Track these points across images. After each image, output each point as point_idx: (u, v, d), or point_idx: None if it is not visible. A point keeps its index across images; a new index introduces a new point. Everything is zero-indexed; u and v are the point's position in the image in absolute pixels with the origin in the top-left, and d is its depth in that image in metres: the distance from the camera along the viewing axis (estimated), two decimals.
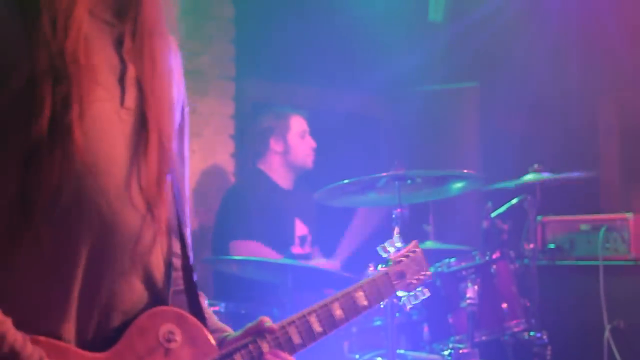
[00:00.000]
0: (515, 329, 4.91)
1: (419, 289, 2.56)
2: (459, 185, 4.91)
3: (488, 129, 6.76)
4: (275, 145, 5.69)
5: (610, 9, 6.28)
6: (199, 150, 6.06)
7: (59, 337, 1.77)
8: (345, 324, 2.22)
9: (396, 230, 4.49)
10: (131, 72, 1.89)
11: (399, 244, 2.62)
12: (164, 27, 1.98)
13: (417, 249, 2.60)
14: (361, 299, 2.29)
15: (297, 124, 5.73)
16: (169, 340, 1.90)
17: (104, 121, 1.81)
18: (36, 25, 1.75)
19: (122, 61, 1.89)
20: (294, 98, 6.47)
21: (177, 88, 2.04)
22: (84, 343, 1.81)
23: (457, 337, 4.79)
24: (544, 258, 5.88)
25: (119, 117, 1.84)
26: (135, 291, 1.89)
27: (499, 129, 6.63)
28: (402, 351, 4.64)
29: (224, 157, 6.22)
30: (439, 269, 4.89)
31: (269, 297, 4.96)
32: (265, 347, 2.03)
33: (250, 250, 5.30)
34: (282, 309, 4.57)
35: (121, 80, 1.87)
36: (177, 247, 2.07)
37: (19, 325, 1.70)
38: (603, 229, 5.66)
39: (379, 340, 4.66)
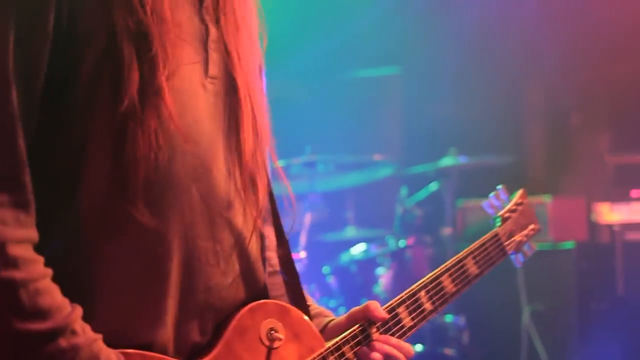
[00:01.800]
0: None
1: (527, 245, 2.24)
2: (374, 171, 4.92)
3: (410, 115, 6.77)
4: None
5: None
6: None
7: (153, 345, 1.57)
8: (456, 297, 1.99)
9: (307, 218, 4.47)
10: (213, 34, 1.68)
11: (504, 197, 2.27)
12: None
13: (524, 200, 2.27)
14: (472, 266, 2.04)
15: None
16: (272, 339, 1.70)
17: (190, 89, 1.61)
18: None
19: (204, 22, 1.68)
20: None
21: (260, 49, 1.83)
22: (181, 348, 1.61)
23: None
24: (464, 242, 5.92)
25: (204, 86, 1.64)
26: (232, 284, 1.69)
27: (421, 114, 6.64)
28: None
29: None
30: (355, 256, 4.89)
31: None
32: (375, 334, 1.81)
33: None
34: None
35: (204, 44, 1.66)
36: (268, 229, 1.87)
37: (110, 333, 1.52)
38: None
39: None
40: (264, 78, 1.89)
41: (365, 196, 5.54)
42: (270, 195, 1.84)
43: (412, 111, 6.73)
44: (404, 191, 5.09)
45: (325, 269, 4.96)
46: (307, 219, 4.52)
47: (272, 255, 1.88)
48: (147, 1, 1.55)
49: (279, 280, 1.87)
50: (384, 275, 4.70)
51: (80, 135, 1.52)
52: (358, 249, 4.89)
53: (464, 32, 6.39)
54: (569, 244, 5.50)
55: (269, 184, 1.81)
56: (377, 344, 1.78)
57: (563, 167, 6.46)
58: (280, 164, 4.32)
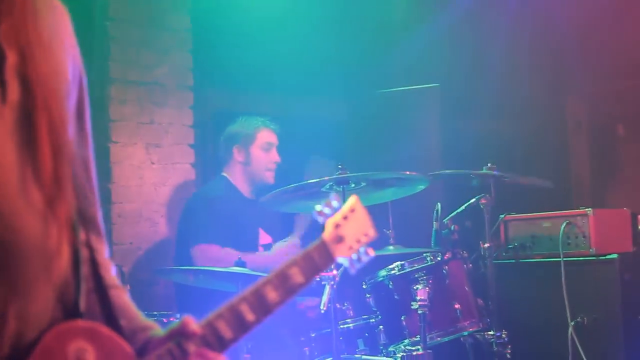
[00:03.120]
0: (470, 329, 4.89)
1: (362, 249, 2.19)
2: (410, 187, 4.90)
3: (448, 129, 6.74)
4: (238, 154, 5.69)
5: (577, 8, 6.27)
6: (159, 160, 6.06)
7: None
8: (281, 306, 1.96)
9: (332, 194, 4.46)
10: (11, 59, 1.65)
11: (335, 204, 2.20)
12: None
13: (356, 207, 2.20)
14: (297, 275, 1.99)
15: (264, 137, 5.71)
16: None
17: None
18: None
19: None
20: (253, 105, 6.48)
21: (70, 61, 1.81)
22: None
23: (411, 339, 4.77)
24: (506, 257, 5.89)
25: (2, 117, 1.62)
26: (43, 310, 1.67)
27: (459, 129, 6.61)
28: (346, 355, 4.64)
29: (184, 166, 6.22)
30: (392, 272, 4.87)
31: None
32: (191, 348, 1.82)
33: (211, 254, 5.29)
34: None
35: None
36: (93, 240, 1.90)
37: None
38: (563, 226, 5.65)
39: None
40: (83, 87, 1.88)
41: (402, 212, 5.53)
42: (85, 201, 1.85)
43: (450, 126, 6.71)
44: (439, 207, 5.06)
45: (363, 287, 4.96)
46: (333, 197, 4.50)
47: (101, 270, 1.87)
48: None
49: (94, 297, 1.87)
50: (421, 291, 4.66)
51: None
52: (395, 266, 4.87)
53: (502, 44, 6.36)
54: (612, 256, 5.44)
55: (86, 189, 1.84)
56: (193, 357, 1.80)
57: (607, 178, 6.38)
58: (312, 181, 4.32)
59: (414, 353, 4.63)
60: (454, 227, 5.00)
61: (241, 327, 1.88)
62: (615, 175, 6.42)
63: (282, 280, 1.97)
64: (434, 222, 4.98)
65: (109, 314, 1.84)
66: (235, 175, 5.71)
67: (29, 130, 1.65)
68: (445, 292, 4.84)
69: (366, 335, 5.02)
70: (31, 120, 1.66)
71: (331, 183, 4.55)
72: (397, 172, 4.70)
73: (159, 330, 1.90)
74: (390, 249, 5.20)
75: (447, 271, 4.86)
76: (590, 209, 5.59)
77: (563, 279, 5.50)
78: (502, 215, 5.86)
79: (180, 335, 1.81)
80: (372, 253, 2.21)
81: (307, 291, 4.98)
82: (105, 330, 1.75)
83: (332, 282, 4.28)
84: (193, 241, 5.40)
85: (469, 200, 5.47)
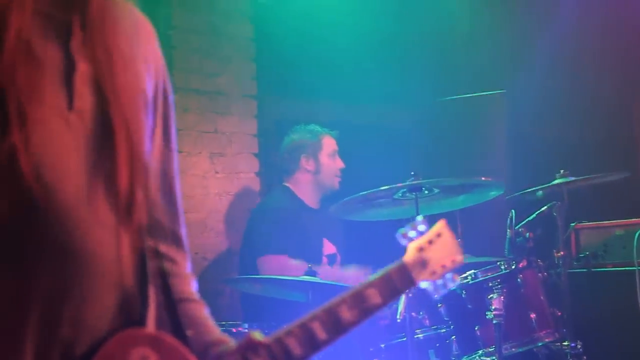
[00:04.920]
0: (546, 339, 4.76)
1: (448, 275, 2.17)
2: (481, 193, 4.80)
3: (516, 135, 6.63)
4: (306, 163, 5.63)
5: None
6: (223, 170, 6.02)
7: None
8: (355, 326, 1.93)
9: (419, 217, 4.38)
10: (83, 68, 1.64)
11: (422, 227, 2.19)
12: (119, 9, 1.75)
13: (443, 231, 2.18)
14: (374, 296, 1.97)
15: (329, 144, 5.67)
16: None
17: (51, 133, 1.58)
18: None
19: (70, 58, 1.64)
20: (317, 114, 6.41)
21: (152, 74, 1.81)
22: None
23: (485, 350, 4.65)
24: (578, 266, 5.74)
25: (68, 123, 1.61)
26: (104, 316, 1.64)
27: (527, 135, 6.50)
28: None
29: (248, 175, 6.17)
30: (464, 281, 4.77)
31: (292, 315, 4.88)
32: None
33: (279, 264, 5.23)
34: None
35: (68, 80, 1.62)
36: (172, 253, 1.89)
37: None
38: (638, 233, 5.49)
39: (407, 355, 4.55)
40: (168, 101, 1.89)
41: (475, 220, 5.42)
42: (165, 216, 1.85)
43: (518, 131, 6.60)
44: (513, 214, 4.95)
45: (435, 297, 4.84)
46: (419, 217, 4.42)
47: (177, 282, 1.86)
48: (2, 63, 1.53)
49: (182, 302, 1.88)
50: (496, 300, 4.55)
51: None
52: (468, 274, 4.76)
53: (567, 47, 6.24)
54: None
55: (168, 204, 1.84)
56: None
57: None
58: (384, 188, 4.26)
59: None
60: (528, 234, 4.88)
61: (311, 345, 1.85)
62: None
63: (358, 300, 1.94)
64: (508, 230, 4.86)
65: (177, 325, 1.81)
66: (301, 185, 5.65)
67: (104, 139, 1.64)
68: (520, 302, 4.71)
69: (437, 346, 4.92)
70: (108, 129, 1.64)
71: (404, 190, 4.46)
72: (472, 178, 4.60)
73: (231, 345, 1.87)
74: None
75: (521, 280, 4.74)
76: None
77: (638, 288, 5.35)
78: (573, 224, 5.72)
79: (247, 349, 1.79)
80: (457, 279, 2.20)
81: None
82: (170, 339, 1.72)
83: (409, 291, 4.19)
84: (261, 251, 5.34)
85: (540, 208, 5.35)
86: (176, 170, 1.93)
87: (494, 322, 4.52)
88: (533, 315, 4.73)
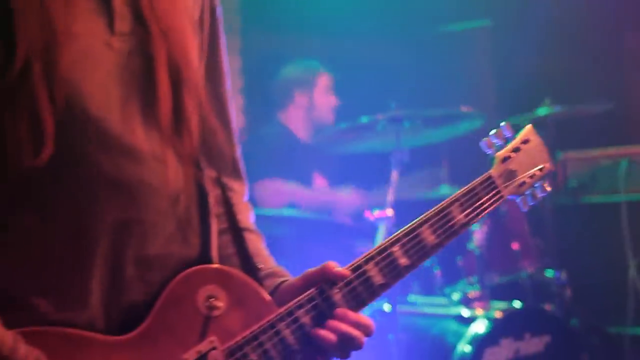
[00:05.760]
0: (529, 269, 4.76)
1: (537, 185, 1.98)
2: (464, 124, 4.77)
3: (501, 66, 6.57)
4: (300, 99, 5.59)
5: None
6: None
7: (78, 324, 1.48)
8: (439, 249, 1.78)
9: (394, 175, 4.37)
10: None
11: (507, 134, 2.01)
12: None
13: (531, 137, 1.99)
14: (458, 214, 1.80)
15: (324, 81, 5.63)
16: (210, 307, 1.57)
17: (91, 50, 1.50)
18: None
19: None
20: (304, 48, 6.33)
21: None
22: (110, 325, 1.52)
23: (468, 280, 4.66)
24: (564, 197, 5.70)
25: (109, 45, 1.52)
26: (165, 253, 1.58)
27: (512, 65, 6.43)
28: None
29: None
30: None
31: (279, 250, 4.87)
32: (336, 295, 1.66)
33: (274, 189, 5.20)
34: (292, 262, 4.49)
35: (107, 1, 1.54)
36: (228, 180, 1.80)
37: (27, 310, 1.45)
38: (625, 163, 5.45)
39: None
40: (216, 17, 1.77)
41: (458, 152, 5.39)
42: (217, 140, 1.75)
43: (503, 62, 6.54)
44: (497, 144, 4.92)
45: None
46: (394, 176, 4.40)
47: (237, 210, 1.76)
48: None
49: (229, 237, 1.77)
50: (477, 231, 4.55)
51: None
52: None
53: None
54: None
55: (222, 127, 1.75)
56: (332, 322, 1.63)
57: None
58: (364, 120, 4.25)
59: (470, 294, 4.54)
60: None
61: (393, 272, 1.70)
62: None
63: (441, 219, 1.78)
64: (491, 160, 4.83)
65: (245, 256, 1.73)
66: (294, 120, 5.60)
67: (147, 64, 1.56)
68: (503, 232, 4.71)
69: (420, 277, 4.93)
70: (151, 55, 1.55)
71: (384, 122, 4.43)
72: (452, 109, 4.56)
73: (287, 277, 1.76)
74: (445, 189, 5.09)
75: (505, 210, 4.73)
76: None
77: (624, 218, 5.34)
78: (560, 153, 5.68)
79: (323, 280, 1.66)
80: (548, 189, 2.01)
81: (359, 234, 4.90)
82: (239, 275, 1.64)
83: (386, 223, 4.18)
84: (255, 178, 5.32)
85: None
86: (229, 92, 1.83)
87: (476, 252, 4.53)
88: (516, 246, 4.73)
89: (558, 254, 5.12)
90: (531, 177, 1.95)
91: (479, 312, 4.41)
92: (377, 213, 4.39)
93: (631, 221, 5.34)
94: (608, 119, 5.57)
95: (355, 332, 1.63)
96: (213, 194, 1.73)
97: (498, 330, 4.28)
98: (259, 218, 4.76)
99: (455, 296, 4.58)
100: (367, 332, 1.65)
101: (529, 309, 4.57)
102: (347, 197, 5.27)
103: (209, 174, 1.73)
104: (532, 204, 1.99)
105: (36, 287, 1.46)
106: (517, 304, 4.52)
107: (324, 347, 1.62)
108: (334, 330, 1.62)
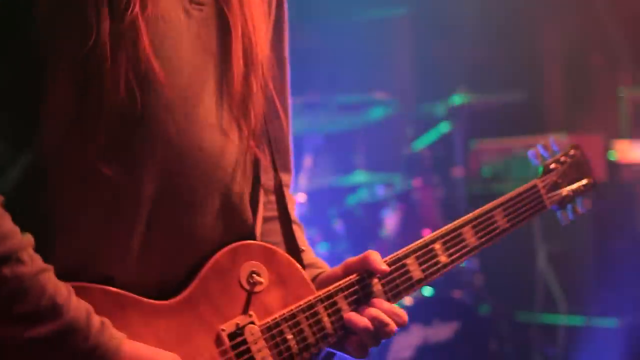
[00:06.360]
0: None
1: (578, 200, 2.03)
2: (378, 110, 4.78)
3: (419, 55, 6.60)
4: None
5: None
6: None
7: (114, 282, 1.48)
8: (478, 250, 1.83)
9: (307, 160, 4.36)
10: None
11: (554, 146, 2.05)
12: None
13: (577, 152, 2.04)
14: (501, 219, 1.85)
15: None
16: (252, 282, 1.58)
17: (169, 16, 1.50)
18: None
19: None
20: None
21: None
22: (146, 288, 1.51)
23: None
24: (478, 185, 5.75)
25: (187, 12, 1.53)
26: (210, 223, 1.57)
27: (430, 54, 6.46)
28: None
29: None
30: (361, 199, 4.77)
31: None
32: (376, 286, 1.69)
33: None
34: None
35: None
36: (280, 167, 1.78)
37: (72, 268, 1.44)
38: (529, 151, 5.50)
39: None
40: (283, 5, 1.79)
41: (372, 138, 5.40)
42: (273, 124, 1.73)
43: (420, 50, 6.56)
44: (411, 131, 4.95)
45: (331, 213, 4.83)
46: (307, 161, 4.40)
47: (272, 192, 1.77)
48: None
49: (276, 226, 1.77)
50: (390, 217, 4.57)
51: (41, 72, 1.41)
52: (363, 192, 4.77)
53: None
54: None
55: (276, 112, 1.71)
56: (367, 309, 1.66)
57: (580, 105, 6.27)
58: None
59: None
60: (425, 152, 4.88)
61: (432, 268, 1.75)
62: (586, 102, 6.31)
63: (484, 222, 1.83)
64: (404, 148, 4.87)
65: (292, 245, 1.72)
66: None
67: (221, 36, 1.56)
68: (415, 220, 4.74)
69: (331, 263, 4.92)
70: (226, 28, 1.56)
71: (299, 106, 4.41)
72: (366, 95, 4.57)
73: (326, 268, 1.79)
74: (360, 175, 5.10)
75: (417, 198, 4.75)
76: (564, 133, 5.47)
77: None
78: (473, 142, 5.72)
79: (363, 270, 1.69)
80: (589, 206, 2.06)
81: None
82: (283, 255, 1.65)
83: (299, 208, 4.17)
84: None
85: (439, 125, 5.36)
86: (288, 79, 1.81)
87: (387, 239, 4.55)
88: (428, 233, 4.75)
89: None
90: (574, 190, 2.01)
91: None
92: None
93: None
94: (522, 108, 5.63)
95: (387, 320, 1.66)
96: (264, 179, 1.73)
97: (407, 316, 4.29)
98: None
99: None
100: (399, 322, 1.68)
101: (438, 295, 4.59)
102: None
103: (265, 158, 1.72)
104: (572, 218, 2.03)
105: (79, 244, 1.46)
106: (427, 290, 4.54)
107: (357, 331, 1.65)
108: (368, 316, 1.65)
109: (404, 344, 4.25)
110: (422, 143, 5.26)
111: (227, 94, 1.56)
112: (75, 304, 1.39)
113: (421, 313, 4.39)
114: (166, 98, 1.47)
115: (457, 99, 5.25)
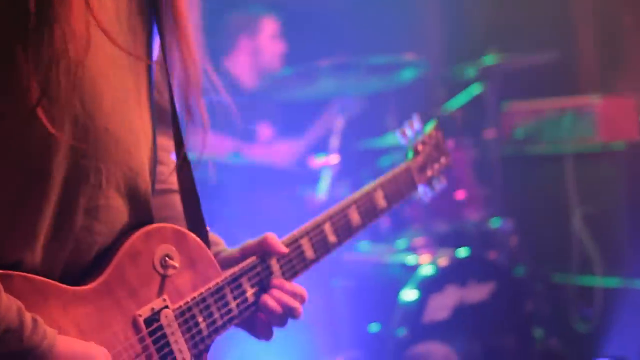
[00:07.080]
0: (474, 218, 4.77)
1: (436, 177, 2.25)
2: (409, 72, 4.74)
3: (449, 15, 6.53)
4: (244, 44, 5.46)
5: None
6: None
7: (20, 267, 1.41)
8: (362, 230, 1.94)
9: (339, 122, 4.33)
10: None
11: (416, 125, 2.24)
12: None
13: (435, 132, 2.26)
14: (380, 199, 1.99)
15: (270, 26, 5.50)
16: (166, 266, 1.59)
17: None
18: None
19: None
20: None
21: None
22: (52, 272, 1.45)
23: (414, 228, 4.65)
24: (511, 146, 5.69)
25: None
26: (115, 205, 1.53)
27: (460, 13, 6.39)
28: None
29: None
30: (393, 162, 4.73)
31: (223, 197, 4.81)
32: (275, 266, 1.78)
33: (216, 144, 5.11)
34: (235, 209, 4.45)
35: None
36: (169, 143, 1.75)
37: None
38: (570, 114, 5.46)
39: None
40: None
41: (404, 100, 5.35)
42: (173, 107, 1.71)
43: (451, 11, 6.48)
44: (442, 93, 4.90)
45: (363, 175, 4.80)
46: (339, 123, 4.36)
47: (165, 171, 1.77)
48: None
49: (171, 200, 1.81)
50: None
51: None
52: (396, 154, 4.72)
53: None
54: (619, 145, 5.24)
55: (181, 84, 1.67)
56: (274, 291, 1.75)
57: (614, 66, 6.18)
58: (308, 67, 4.16)
59: (415, 241, 4.53)
60: (456, 114, 4.84)
61: (322, 248, 1.85)
62: (620, 63, 6.22)
63: (367, 202, 1.95)
64: (435, 109, 4.83)
65: (198, 223, 1.73)
66: (239, 66, 5.48)
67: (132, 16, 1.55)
68: (449, 181, 4.68)
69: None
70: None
71: (329, 68, 4.37)
72: (397, 56, 4.52)
73: (225, 248, 1.84)
74: (391, 138, 5.06)
75: (451, 160, 4.71)
76: (597, 95, 5.40)
77: (569, 169, 5.34)
78: (505, 104, 5.66)
79: (262, 252, 1.77)
80: (444, 182, 2.27)
81: (302, 180, 4.85)
82: (193, 238, 1.67)
83: (331, 169, 4.15)
84: None
85: (470, 87, 5.31)
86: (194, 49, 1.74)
87: (422, 201, 4.51)
88: (462, 195, 4.72)
89: (504, 203, 5.12)
90: (433, 169, 2.22)
91: (425, 259, 4.40)
92: (321, 159, 4.35)
93: (576, 172, 5.35)
94: (554, 69, 5.56)
95: (295, 304, 1.75)
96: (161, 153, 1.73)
97: (443, 277, 4.28)
98: (202, 164, 4.71)
99: (402, 244, 4.56)
100: (302, 301, 1.78)
101: (474, 256, 4.56)
102: (283, 150, 5.21)
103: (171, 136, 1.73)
104: (430, 195, 2.24)
105: None
106: (462, 251, 4.52)
107: (266, 313, 1.74)
108: (278, 301, 1.74)
109: (440, 305, 4.23)
110: (454, 105, 5.21)
111: (130, 70, 1.54)
112: (6, 302, 1.33)
113: (457, 274, 4.37)
114: (75, 79, 1.41)
115: (489, 60, 5.19)
